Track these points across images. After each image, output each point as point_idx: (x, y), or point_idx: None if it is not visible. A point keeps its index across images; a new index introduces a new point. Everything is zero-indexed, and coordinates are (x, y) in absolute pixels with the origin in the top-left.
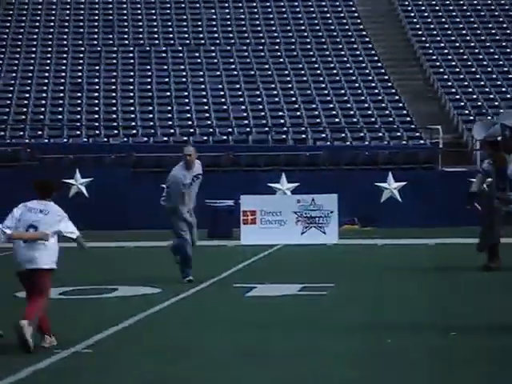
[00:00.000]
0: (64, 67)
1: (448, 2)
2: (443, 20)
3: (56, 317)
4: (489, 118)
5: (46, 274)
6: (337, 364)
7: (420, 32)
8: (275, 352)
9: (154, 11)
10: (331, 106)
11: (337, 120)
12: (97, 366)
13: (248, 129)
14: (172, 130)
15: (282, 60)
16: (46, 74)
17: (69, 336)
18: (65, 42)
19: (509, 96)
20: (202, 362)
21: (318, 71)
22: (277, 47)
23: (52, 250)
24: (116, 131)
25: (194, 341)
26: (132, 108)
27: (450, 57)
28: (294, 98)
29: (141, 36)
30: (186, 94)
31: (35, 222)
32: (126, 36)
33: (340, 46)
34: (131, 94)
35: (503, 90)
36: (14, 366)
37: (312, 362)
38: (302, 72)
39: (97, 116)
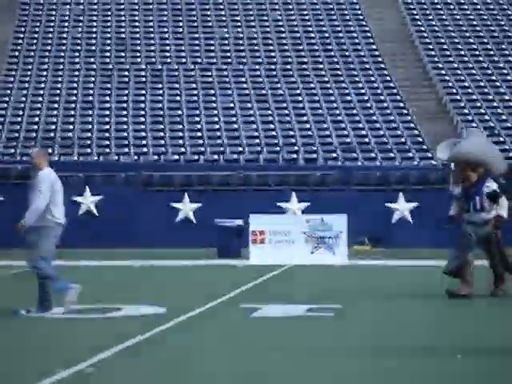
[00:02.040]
0: (75, 85)
1: (461, 23)
2: (456, 40)
3: (60, 335)
4: (452, 139)
5: None
6: None
7: (433, 53)
8: (277, 374)
9: (166, 29)
10: (343, 125)
11: (348, 140)
12: None
13: (259, 148)
14: (183, 149)
15: (293, 80)
16: (57, 92)
17: (72, 355)
18: (77, 60)
19: None
20: None
21: (330, 91)
22: (289, 67)
23: None
24: (127, 149)
25: (197, 362)
26: (143, 126)
27: (462, 78)
28: (305, 118)
29: (153, 54)
30: (198, 112)
31: None
32: (138, 54)
33: (352, 66)
34: (142, 113)
35: None
36: None
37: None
38: (314, 91)
39: (108, 134)
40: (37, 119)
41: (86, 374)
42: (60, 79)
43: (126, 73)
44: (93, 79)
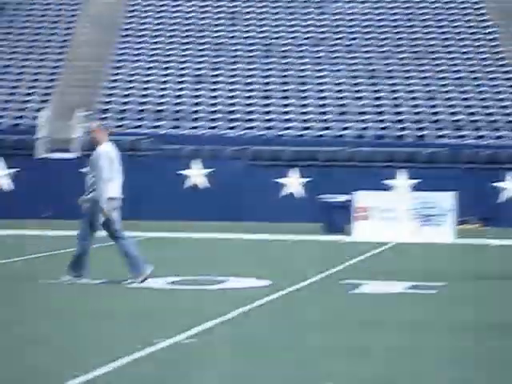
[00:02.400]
0: (186, 58)
1: None
2: None
3: (165, 306)
4: None
5: None
6: (439, 363)
7: None
8: (379, 350)
9: (279, 4)
10: (453, 102)
11: (458, 117)
12: (198, 357)
13: (366, 124)
14: (290, 124)
15: (404, 55)
16: (168, 65)
17: (173, 325)
18: (188, 34)
19: None
20: (304, 358)
21: (442, 67)
22: (400, 42)
23: None
24: (235, 123)
25: (296, 336)
26: (252, 101)
27: None
28: (415, 94)
29: (264, 29)
30: (306, 88)
31: None
32: (249, 28)
33: (465, 43)
34: (252, 87)
35: None
36: (115, 354)
37: (413, 360)
38: (425, 68)
39: (216, 108)
40: (148, 92)
41: (186, 344)
42: (172, 52)
43: (237, 46)
44: (204, 53)
